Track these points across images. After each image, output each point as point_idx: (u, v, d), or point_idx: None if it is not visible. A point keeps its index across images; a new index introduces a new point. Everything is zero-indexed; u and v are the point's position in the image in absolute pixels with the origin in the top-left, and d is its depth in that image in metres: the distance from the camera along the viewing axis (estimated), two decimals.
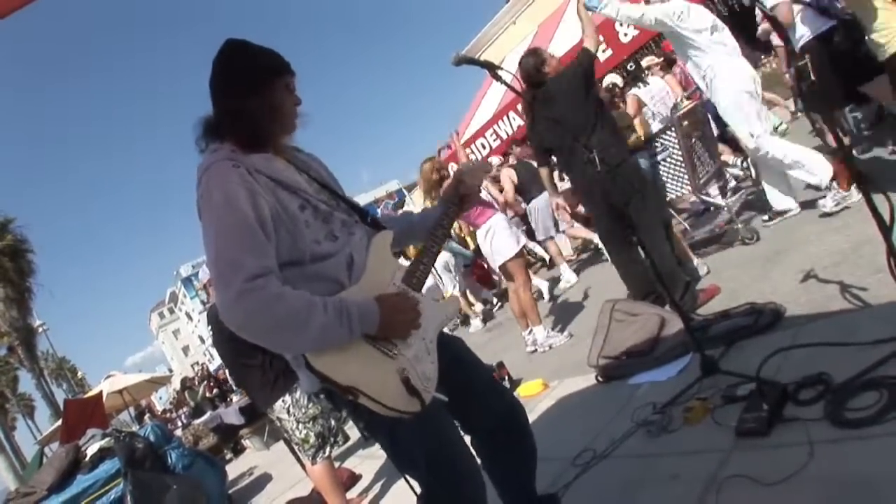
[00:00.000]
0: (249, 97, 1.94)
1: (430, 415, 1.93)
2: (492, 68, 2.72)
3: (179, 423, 15.92)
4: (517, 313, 6.03)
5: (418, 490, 2.12)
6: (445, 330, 2.25)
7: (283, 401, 4.27)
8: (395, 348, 1.91)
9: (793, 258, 4.28)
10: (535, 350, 5.86)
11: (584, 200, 5.04)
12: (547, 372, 4.98)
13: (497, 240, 5.80)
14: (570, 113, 4.58)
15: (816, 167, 4.75)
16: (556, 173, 6.32)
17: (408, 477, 2.13)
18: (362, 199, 32.79)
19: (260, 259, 1.76)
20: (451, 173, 6.24)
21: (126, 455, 6.25)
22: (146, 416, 16.16)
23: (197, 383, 17.03)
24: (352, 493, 4.90)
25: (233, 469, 9.57)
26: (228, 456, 11.60)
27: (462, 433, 2.23)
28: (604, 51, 10.77)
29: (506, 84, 2.76)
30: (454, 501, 2.02)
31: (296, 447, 4.51)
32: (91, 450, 6.85)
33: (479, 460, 2.26)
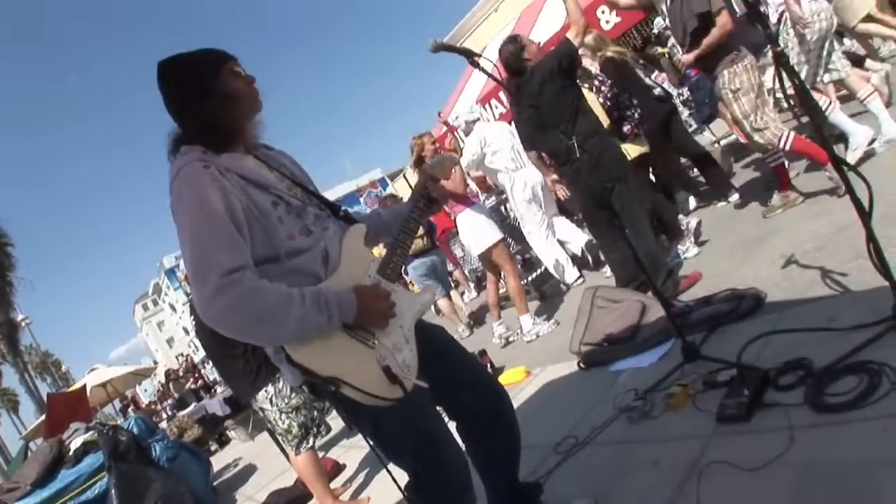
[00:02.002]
0: (204, 97, 1.95)
1: (413, 402, 1.93)
2: (470, 55, 2.71)
3: (164, 416, 15.85)
4: (492, 303, 6.07)
5: (400, 480, 2.12)
6: None
7: (265, 391, 4.25)
8: (373, 338, 1.92)
9: (774, 243, 4.29)
10: (507, 342, 5.94)
11: (568, 188, 5.04)
12: (529, 359, 5.00)
13: (479, 227, 5.81)
14: (550, 100, 4.56)
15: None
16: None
17: (391, 467, 2.12)
18: (345, 189, 32.72)
19: (234, 255, 1.76)
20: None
21: (110, 448, 6.21)
22: (130, 409, 16.05)
23: (181, 375, 16.93)
24: (336, 483, 4.89)
25: (218, 460, 9.55)
26: (213, 447, 11.58)
27: (447, 419, 2.23)
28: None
29: (485, 72, 2.74)
30: (441, 487, 2.02)
31: (279, 437, 4.50)
32: (75, 444, 6.81)
33: (463, 447, 2.27)
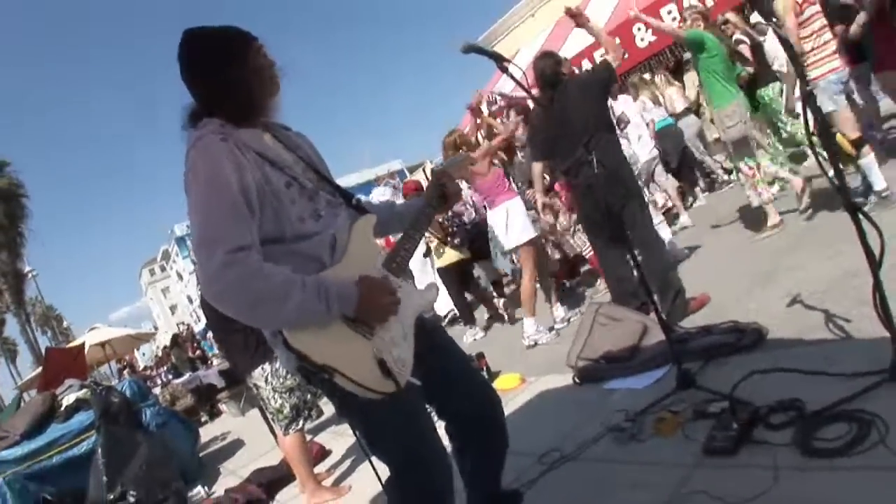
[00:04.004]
0: (231, 67, 1.95)
1: (404, 398, 1.94)
2: (500, 60, 2.71)
3: (159, 382, 15.93)
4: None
5: (382, 474, 2.13)
6: None
7: (262, 369, 4.28)
8: (371, 330, 1.92)
9: (783, 280, 4.29)
10: (536, 344, 5.76)
11: (579, 201, 5.05)
12: (525, 367, 5.01)
13: (516, 221, 5.78)
14: (582, 113, 4.64)
15: None
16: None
17: (374, 460, 2.13)
18: (363, 176, 32.71)
19: (242, 234, 1.77)
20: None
21: (101, 408, 6.27)
22: (126, 372, 16.14)
23: (183, 342, 17.01)
24: (320, 468, 4.92)
25: (206, 432, 9.61)
26: (204, 418, 11.64)
27: (437, 419, 2.25)
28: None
29: (513, 78, 2.74)
30: (421, 486, 2.03)
31: (270, 416, 4.52)
32: (67, 400, 6.85)
33: (449, 447, 2.28)
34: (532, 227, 5.95)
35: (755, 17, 7.23)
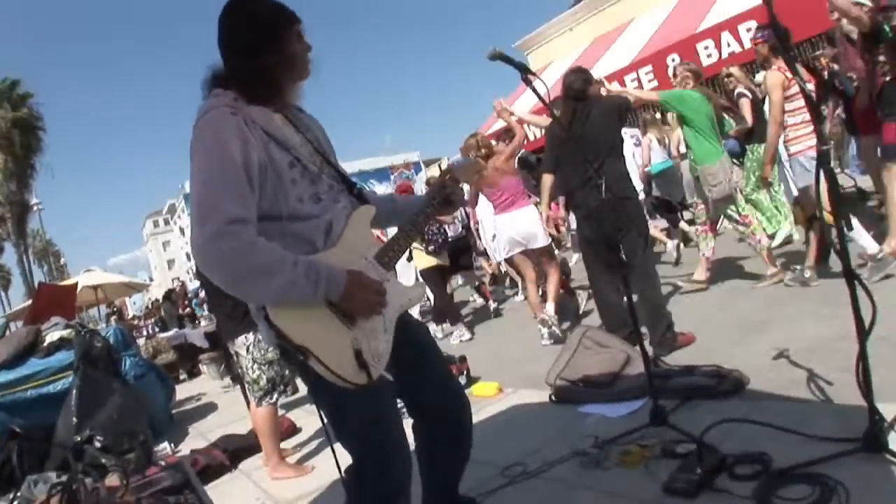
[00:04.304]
0: (265, 54, 1.95)
1: (375, 391, 1.94)
2: (525, 72, 2.71)
3: (145, 333, 15.96)
4: (534, 303, 6.26)
5: (342, 462, 2.14)
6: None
7: (245, 338, 4.29)
8: (353, 320, 1.93)
9: (773, 332, 4.31)
10: (555, 340, 5.83)
11: (581, 223, 5.08)
12: (506, 377, 5.01)
13: (534, 225, 6.10)
14: (597, 136, 4.70)
15: None
16: None
17: (336, 446, 2.13)
18: (379, 162, 32.67)
19: (240, 207, 1.78)
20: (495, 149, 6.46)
21: (82, 350, 6.29)
22: (114, 318, 16.19)
23: (176, 298, 17.05)
24: (287, 444, 4.92)
25: (183, 390, 9.60)
26: (182, 377, 11.64)
27: (406, 416, 2.25)
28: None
29: (535, 92, 2.74)
30: (380, 479, 2.04)
31: (246, 385, 4.53)
32: (50, 337, 6.88)
33: (413, 445, 2.29)
34: (545, 236, 6.19)
35: (760, 77, 7.24)
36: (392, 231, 2.33)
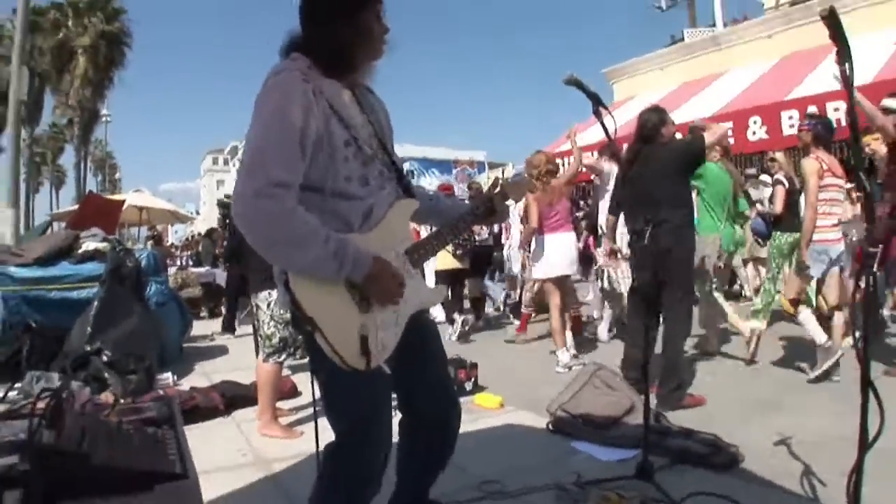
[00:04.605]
0: (343, 23, 1.98)
1: (370, 378, 1.97)
2: (597, 103, 2.72)
3: (178, 263, 16.21)
4: (556, 329, 6.29)
5: (323, 438, 2.17)
6: None
7: (269, 293, 4.36)
8: (368, 306, 1.96)
9: (782, 417, 4.25)
10: (570, 370, 5.89)
11: (633, 265, 5.16)
12: (511, 394, 5.02)
13: (566, 254, 6.34)
14: (657, 182, 4.66)
15: None
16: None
17: (322, 420, 2.17)
18: (445, 153, 32.58)
19: (288, 172, 1.83)
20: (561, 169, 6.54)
21: (113, 266, 6.41)
22: (151, 242, 16.45)
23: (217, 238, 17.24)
24: (284, 404, 4.99)
25: (199, 327, 9.71)
26: (203, 314, 11.81)
27: (397, 410, 2.28)
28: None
29: (602, 125, 2.75)
30: (355, 462, 2.07)
31: (259, 339, 4.60)
32: (86, 245, 7.05)
33: (396, 438, 2.32)
34: (570, 263, 6.38)
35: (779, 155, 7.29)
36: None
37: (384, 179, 2.12)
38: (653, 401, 4.10)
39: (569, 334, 6.17)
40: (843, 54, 1.95)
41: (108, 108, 37.38)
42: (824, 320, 5.63)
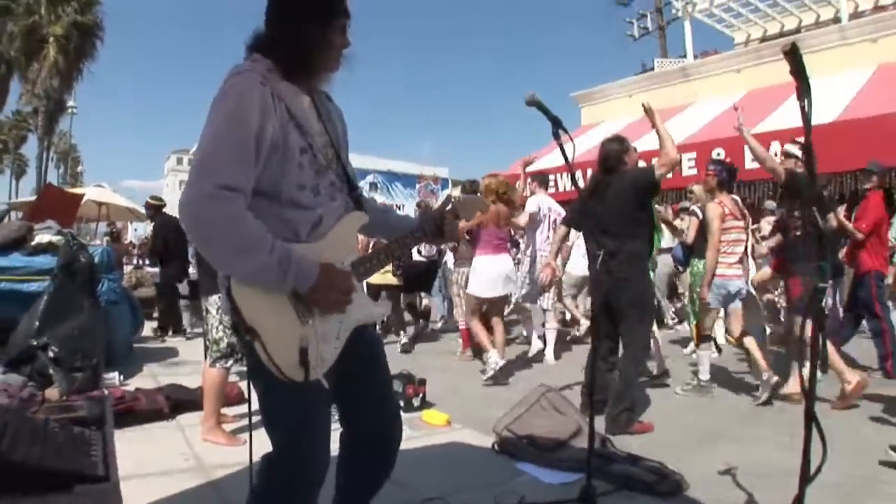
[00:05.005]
0: (307, 28, 1.97)
1: (309, 392, 1.93)
2: (557, 126, 2.71)
3: (134, 262, 15.92)
4: (486, 341, 6.53)
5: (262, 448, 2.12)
6: None
7: (219, 297, 4.27)
8: (310, 317, 1.92)
9: (729, 446, 4.28)
10: (493, 377, 6.24)
11: (592, 288, 5.25)
12: (459, 413, 4.99)
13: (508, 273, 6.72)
14: (616, 209, 4.70)
15: None
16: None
17: (261, 430, 2.12)
18: (411, 169, 32.59)
19: (239, 176, 1.79)
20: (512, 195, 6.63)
21: (65, 260, 6.29)
22: (108, 239, 16.13)
23: None
24: (230, 411, 4.90)
25: (151, 327, 9.58)
26: (156, 314, 11.58)
27: (337, 425, 2.24)
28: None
29: (561, 149, 2.74)
30: (292, 475, 2.02)
31: (207, 343, 4.52)
32: (40, 238, 6.90)
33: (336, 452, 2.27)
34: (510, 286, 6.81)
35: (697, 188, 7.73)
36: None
37: (335, 190, 2.09)
38: (601, 425, 4.12)
39: (494, 353, 6.38)
40: (803, 90, 1.97)
41: (76, 99, 36.73)
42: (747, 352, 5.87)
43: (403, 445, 2.39)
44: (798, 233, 5.46)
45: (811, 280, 4.99)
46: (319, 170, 2.01)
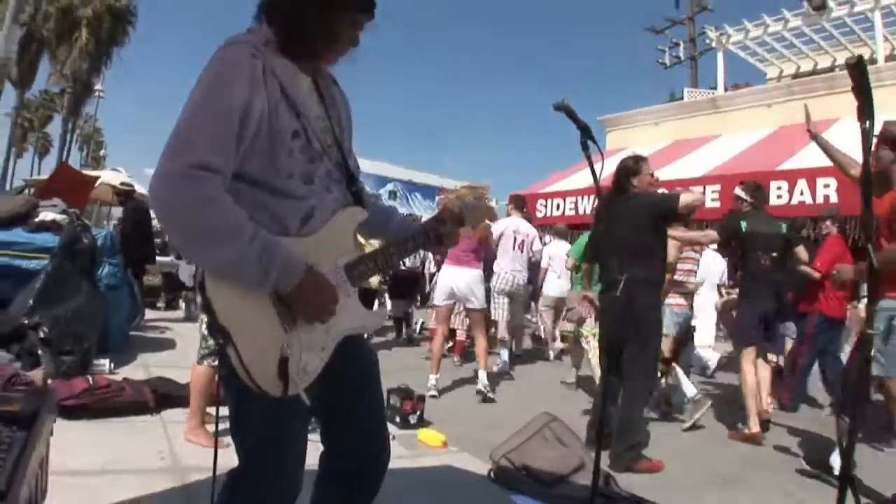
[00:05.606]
0: (320, 11, 1.76)
1: (284, 409, 1.73)
2: (585, 133, 2.49)
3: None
4: (436, 357, 6.64)
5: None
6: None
7: None
8: (294, 323, 1.70)
9: (737, 493, 4.07)
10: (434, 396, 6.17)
11: (601, 316, 5.05)
12: (457, 434, 4.74)
13: (479, 289, 6.68)
14: (629, 233, 4.46)
15: None
16: None
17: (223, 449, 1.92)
18: (430, 179, 32.47)
19: (218, 155, 1.58)
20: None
21: (67, 240, 6.21)
22: (115, 223, 16.02)
23: None
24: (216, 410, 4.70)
25: (153, 317, 9.45)
26: (160, 304, 11.45)
27: (320, 440, 2.03)
28: None
29: (587, 157, 2.51)
30: (256, 499, 1.82)
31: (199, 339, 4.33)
32: (44, 215, 6.78)
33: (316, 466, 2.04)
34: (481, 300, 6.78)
35: None
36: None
37: (331, 181, 1.87)
38: (605, 461, 3.88)
39: (482, 373, 6.47)
40: (865, 109, 1.72)
41: (104, 84, 36.90)
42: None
43: (396, 465, 2.17)
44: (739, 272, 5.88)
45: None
46: (313, 157, 1.79)
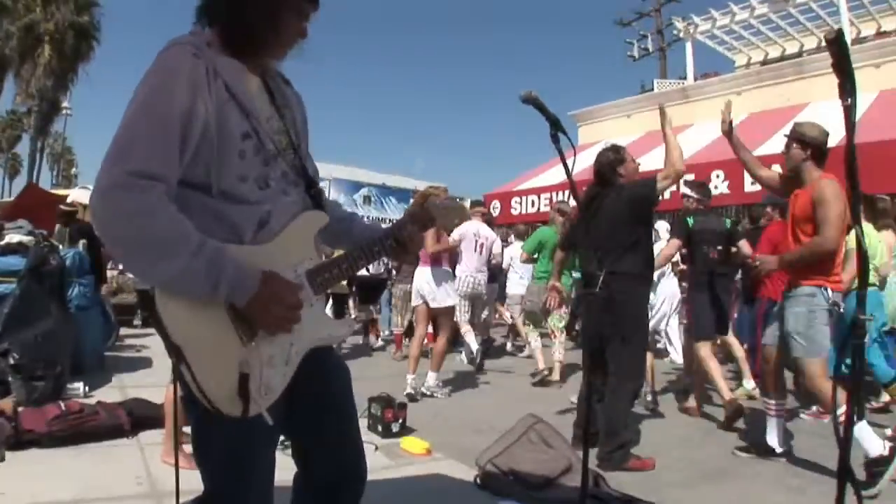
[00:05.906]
0: (262, 3, 1.67)
1: (249, 430, 1.62)
2: (555, 126, 2.40)
3: (116, 268, 15.54)
4: (414, 356, 6.60)
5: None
6: None
7: None
8: (253, 337, 1.60)
9: (731, 486, 3.99)
10: (413, 398, 6.12)
11: (581, 310, 4.93)
12: (441, 441, 4.65)
13: (443, 286, 6.61)
14: (612, 225, 4.37)
15: None
16: None
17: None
18: (405, 183, 32.31)
19: (159, 162, 1.48)
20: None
21: (34, 263, 6.06)
22: (84, 242, 15.76)
23: None
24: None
25: (128, 334, 9.25)
26: (137, 322, 11.21)
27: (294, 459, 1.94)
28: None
29: (558, 150, 2.42)
30: None
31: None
32: (10, 237, 6.64)
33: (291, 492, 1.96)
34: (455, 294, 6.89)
35: None
36: None
37: (288, 183, 1.77)
38: (594, 460, 3.81)
39: (432, 375, 6.57)
40: (847, 87, 1.65)
41: (70, 101, 36.41)
42: None
43: (379, 475, 2.10)
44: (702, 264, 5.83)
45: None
46: (267, 159, 1.70)
